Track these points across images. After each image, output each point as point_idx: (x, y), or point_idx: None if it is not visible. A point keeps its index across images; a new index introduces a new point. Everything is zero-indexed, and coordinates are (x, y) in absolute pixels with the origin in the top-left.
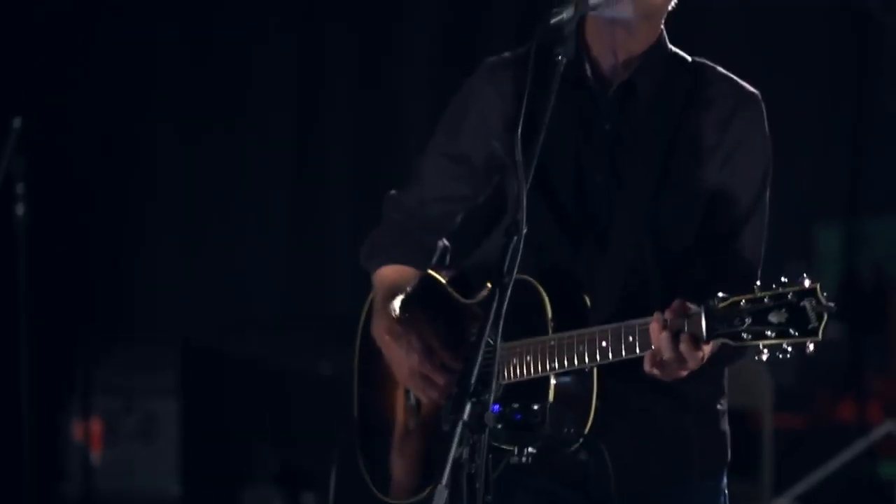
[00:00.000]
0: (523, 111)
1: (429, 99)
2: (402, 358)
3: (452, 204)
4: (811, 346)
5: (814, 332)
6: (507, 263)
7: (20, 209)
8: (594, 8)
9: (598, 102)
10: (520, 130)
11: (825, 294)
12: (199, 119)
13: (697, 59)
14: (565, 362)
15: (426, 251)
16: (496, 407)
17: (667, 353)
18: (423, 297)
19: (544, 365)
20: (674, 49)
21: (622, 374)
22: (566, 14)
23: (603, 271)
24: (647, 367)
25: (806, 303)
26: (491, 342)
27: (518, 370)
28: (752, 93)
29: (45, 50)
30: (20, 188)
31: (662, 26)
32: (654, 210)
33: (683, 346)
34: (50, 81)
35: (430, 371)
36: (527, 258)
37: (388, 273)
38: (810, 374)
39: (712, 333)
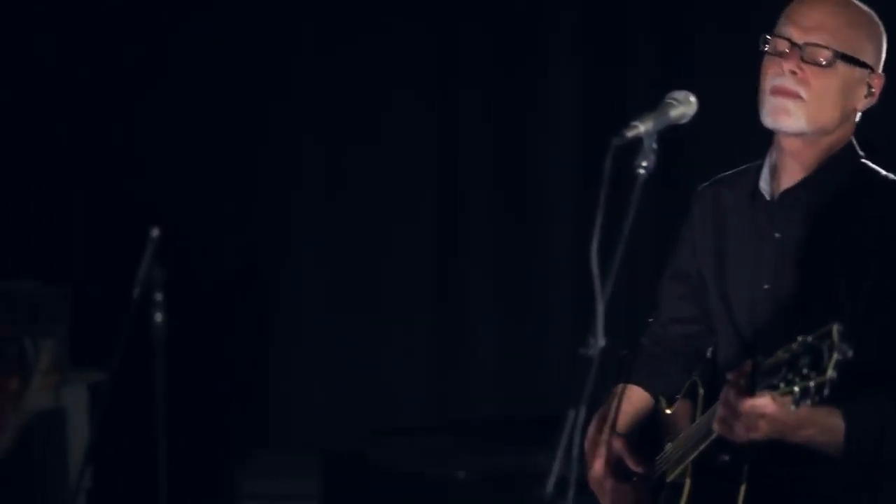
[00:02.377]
0: (598, 222)
1: (573, 179)
2: (591, 465)
3: (686, 325)
4: (826, 388)
5: (824, 372)
6: (591, 373)
7: (159, 317)
8: (677, 121)
9: (770, 211)
10: (595, 242)
11: (842, 333)
12: (336, 229)
13: (892, 175)
14: (695, 449)
15: (666, 375)
16: None
17: (720, 408)
18: (631, 411)
19: (684, 456)
20: (868, 163)
21: (776, 485)
22: (644, 128)
23: None
24: (714, 425)
25: (823, 345)
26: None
27: (675, 466)
28: None
29: (181, 161)
30: (158, 296)
31: (853, 139)
32: (811, 320)
33: (732, 398)
34: (185, 189)
35: (603, 476)
36: (715, 373)
37: (616, 390)
38: None
39: (757, 386)
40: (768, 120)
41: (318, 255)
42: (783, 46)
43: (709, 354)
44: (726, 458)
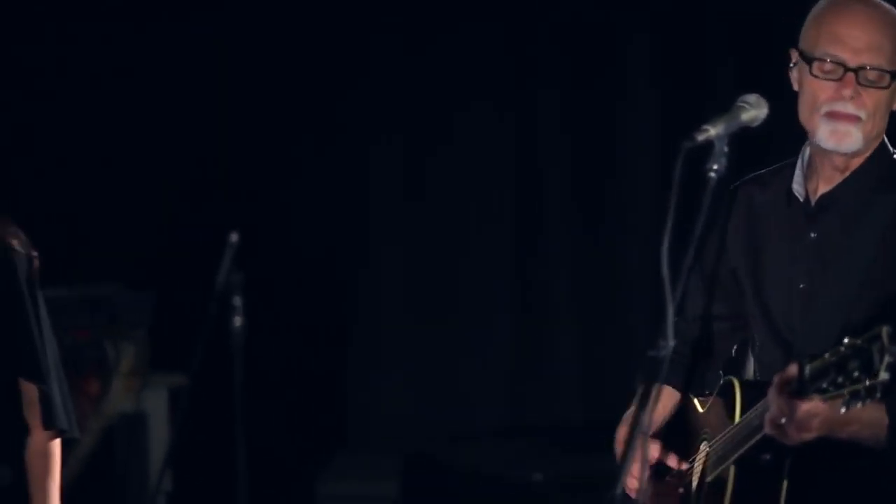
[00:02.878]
0: (669, 225)
1: (652, 187)
2: (628, 470)
3: (712, 323)
4: (878, 391)
5: (876, 374)
6: (660, 376)
7: (238, 321)
8: (749, 124)
9: (805, 212)
10: (665, 245)
11: (892, 335)
12: (419, 235)
13: None
14: (738, 449)
15: (691, 372)
16: None
17: (771, 408)
18: (681, 413)
19: (725, 456)
20: None
21: (818, 480)
22: (715, 131)
23: None
24: (765, 428)
25: (874, 347)
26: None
27: (715, 466)
28: None
29: (260, 165)
30: (237, 301)
31: (885, 138)
32: (848, 319)
33: (782, 401)
34: (265, 196)
35: (644, 482)
36: (752, 368)
37: (642, 391)
38: None
39: (807, 390)
40: (829, 143)
41: (398, 259)
42: (835, 69)
43: (733, 352)
44: (768, 456)
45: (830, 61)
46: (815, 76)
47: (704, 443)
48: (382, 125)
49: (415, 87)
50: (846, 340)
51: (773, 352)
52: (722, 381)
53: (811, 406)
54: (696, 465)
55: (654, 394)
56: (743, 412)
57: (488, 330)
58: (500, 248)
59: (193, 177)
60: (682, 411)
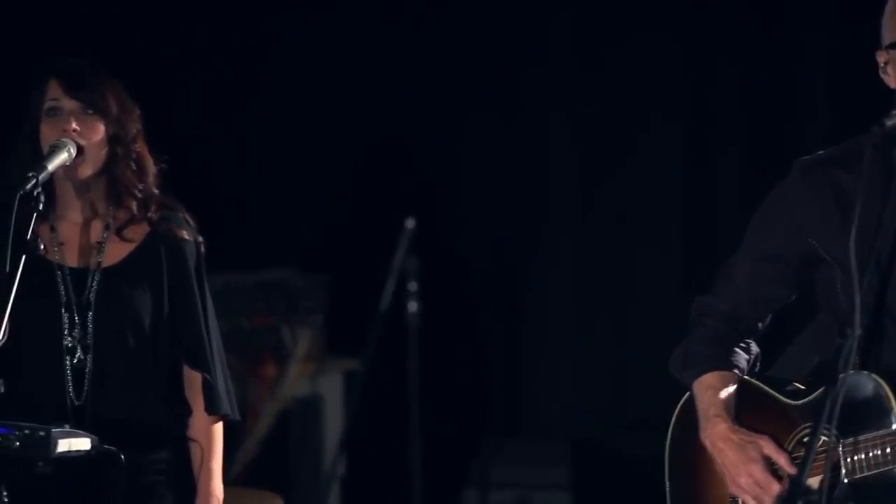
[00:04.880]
0: (857, 213)
1: None
2: (738, 466)
3: (766, 305)
4: None
5: None
6: (841, 364)
7: (413, 306)
8: None
9: None
10: (853, 234)
11: None
12: (591, 225)
13: None
14: None
15: (741, 356)
16: None
17: None
18: (751, 404)
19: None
20: None
21: None
22: None
23: None
24: None
25: None
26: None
27: (866, 464)
28: None
29: (437, 153)
30: (413, 286)
31: None
32: None
33: None
34: (442, 182)
35: (766, 480)
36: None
37: (712, 381)
38: None
39: None
40: None
41: (570, 248)
42: None
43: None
44: None
45: None
46: None
47: (830, 439)
48: (560, 116)
49: (591, 79)
50: None
51: (889, 342)
52: (850, 373)
53: None
54: (811, 461)
55: (840, 384)
56: None
57: (658, 317)
58: (671, 239)
59: (370, 162)
60: (758, 400)
